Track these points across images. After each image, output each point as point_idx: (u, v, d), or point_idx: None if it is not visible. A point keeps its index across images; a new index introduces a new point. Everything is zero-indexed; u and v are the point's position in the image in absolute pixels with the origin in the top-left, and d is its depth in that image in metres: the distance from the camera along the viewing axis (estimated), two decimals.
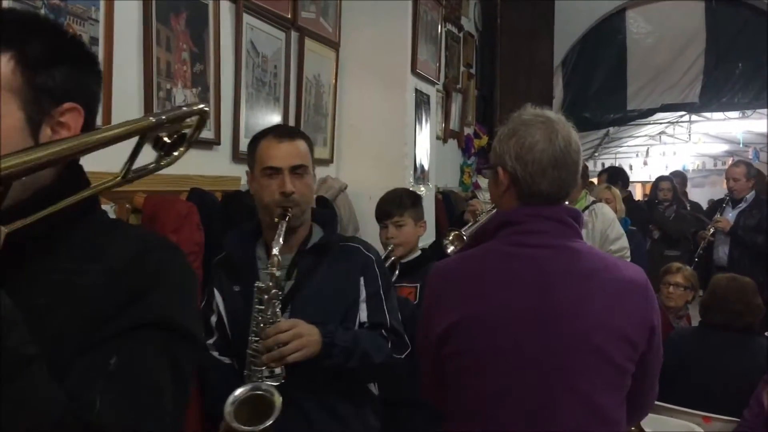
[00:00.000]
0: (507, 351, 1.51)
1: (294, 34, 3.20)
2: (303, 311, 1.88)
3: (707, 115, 10.28)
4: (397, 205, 2.81)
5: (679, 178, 7.48)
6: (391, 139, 3.70)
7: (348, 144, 3.76)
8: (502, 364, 1.51)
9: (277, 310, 1.79)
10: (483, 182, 5.30)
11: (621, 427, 1.57)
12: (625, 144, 12.51)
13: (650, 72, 7.01)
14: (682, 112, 9.52)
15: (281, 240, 1.81)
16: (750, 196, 5.22)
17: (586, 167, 6.32)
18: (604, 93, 7.13)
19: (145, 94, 2.23)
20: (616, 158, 13.19)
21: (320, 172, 3.49)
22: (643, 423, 2.25)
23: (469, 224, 3.23)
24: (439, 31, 4.51)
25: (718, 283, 3.20)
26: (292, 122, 3.23)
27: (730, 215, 5.18)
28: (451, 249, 3.10)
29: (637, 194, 13.64)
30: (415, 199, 2.90)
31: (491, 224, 1.65)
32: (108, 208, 1.96)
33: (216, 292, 1.99)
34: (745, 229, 5.02)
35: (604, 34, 7.07)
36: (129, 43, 2.17)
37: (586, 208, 3.63)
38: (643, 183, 13.71)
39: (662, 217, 6.03)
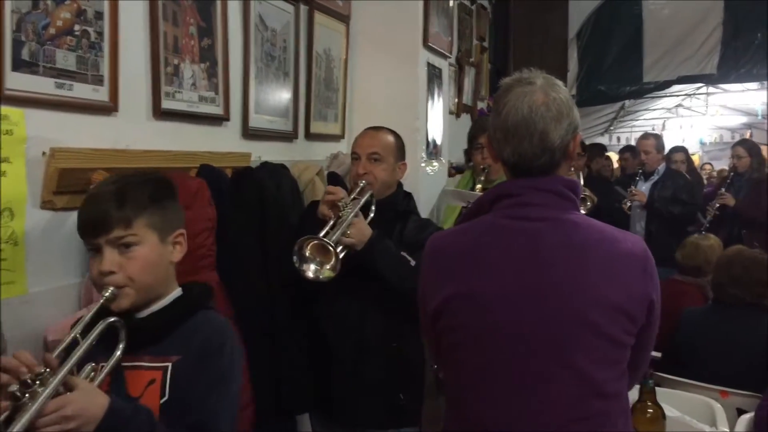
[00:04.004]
0: (501, 326, 1.48)
1: (303, 8, 3.15)
2: None
3: (725, 86, 10.14)
4: (117, 204, 1.47)
5: None
6: (403, 114, 3.65)
7: (359, 119, 3.71)
8: (497, 339, 1.49)
9: None
10: None
11: (622, 400, 1.55)
12: (641, 117, 12.37)
13: (667, 43, 6.89)
14: (700, 84, 9.39)
15: None
16: (661, 168, 5.18)
17: (586, 145, 6.07)
18: (620, 65, 7.03)
19: (152, 69, 2.20)
20: (632, 132, 13.06)
21: (332, 147, 3.46)
22: (660, 398, 2.23)
23: (330, 224, 2.20)
24: (451, 3, 4.44)
25: (725, 257, 3.15)
26: (302, 97, 3.19)
27: (643, 188, 5.11)
28: (312, 268, 2.13)
29: None
30: (157, 189, 1.57)
31: (488, 197, 1.62)
32: None
33: None
34: (661, 201, 4.97)
35: (620, 5, 6.96)
36: (135, 17, 2.13)
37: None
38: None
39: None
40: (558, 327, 1.45)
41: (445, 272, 1.58)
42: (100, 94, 1.99)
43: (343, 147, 3.63)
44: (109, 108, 2.03)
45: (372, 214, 2.37)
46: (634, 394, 2.07)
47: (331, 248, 2.11)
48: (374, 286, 2.28)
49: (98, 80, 1.98)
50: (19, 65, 1.73)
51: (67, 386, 1.31)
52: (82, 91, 1.92)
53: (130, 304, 1.49)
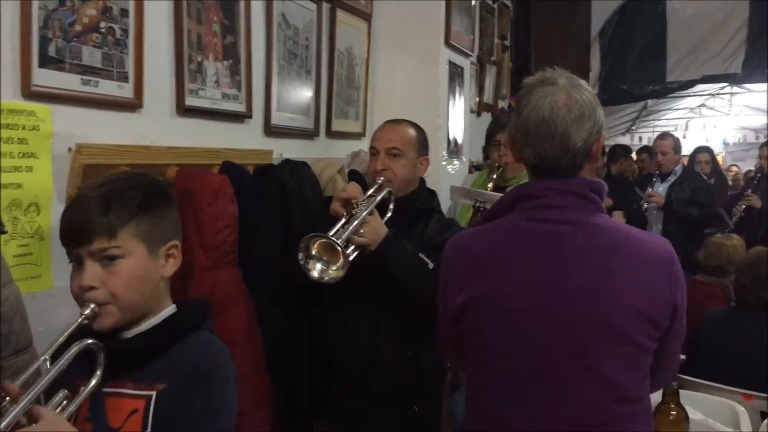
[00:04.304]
0: (523, 329, 1.47)
1: (325, 6, 3.15)
2: None
3: (749, 86, 9.99)
4: (101, 211, 1.29)
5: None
6: (424, 112, 3.64)
7: (381, 117, 3.69)
8: (518, 341, 1.48)
9: None
10: None
11: (644, 402, 1.53)
12: (664, 117, 12.23)
13: (691, 42, 6.83)
14: (723, 84, 9.27)
15: None
16: (678, 168, 5.07)
17: (608, 148, 5.99)
18: (643, 64, 6.97)
19: (176, 66, 2.21)
20: (654, 132, 12.93)
21: (353, 145, 3.47)
22: (683, 401, 2.20)
23: (342, 223, 2.08)
24: (473, 2, 4.43)
25: (747, 258, 3.11)
26: (324, 95, 3.20)
27: (660, 189, 5.00)
28: (318, 267, 2.01)
29: None
30: (148, 195, 1.37)
31: (508, 198, 1.60)
32: None
33: None
34: (679, 203, 4.84)
35: (643, 4, 6.91)
36: (159, 14, 2.15)
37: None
38: (683, 157, 13.45)
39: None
40: (579, 330, 1.44)
41: (465, 274, 1.57)
42: (125, 90, 2.01)
43: (365, 145, 3.62)
44: (133, 104, 2.05)
45: (390, 213, 2.22)
46: (657, 396, 2.05)
47: (338, 248, 1.98)
48: (387, 289, 2.12)
49: (123, 77, 2.00)
50: (45, 62, 1.75)
51: (31, 417, 1.15)
52: (107, 87, 1.94)
53: (113, 324, 1.30)
